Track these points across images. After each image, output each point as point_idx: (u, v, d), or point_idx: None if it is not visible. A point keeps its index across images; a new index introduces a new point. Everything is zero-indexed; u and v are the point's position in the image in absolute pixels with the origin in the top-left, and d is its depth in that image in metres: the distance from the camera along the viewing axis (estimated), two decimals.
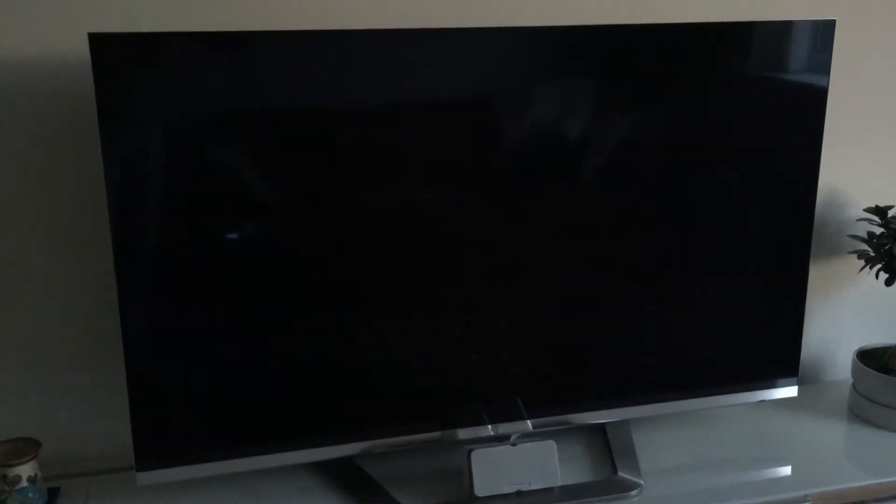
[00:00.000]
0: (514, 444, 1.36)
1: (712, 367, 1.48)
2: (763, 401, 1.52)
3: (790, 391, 1.53)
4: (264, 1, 1.33)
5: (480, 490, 1.33)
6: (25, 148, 1.31)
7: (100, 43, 1.11)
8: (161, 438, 1.27)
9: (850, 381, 1.64)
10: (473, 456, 1.33)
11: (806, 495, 1.37)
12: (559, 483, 1.36)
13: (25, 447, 1.31)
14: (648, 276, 1.42)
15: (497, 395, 1.39)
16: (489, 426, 1.38)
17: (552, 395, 1.42)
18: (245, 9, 1.33)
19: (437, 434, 1.37)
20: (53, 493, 1.36)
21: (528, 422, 1.40)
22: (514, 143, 1.31)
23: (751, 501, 1.35)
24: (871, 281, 1.65)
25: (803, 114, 1.41)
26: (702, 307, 1.46)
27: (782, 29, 1.37)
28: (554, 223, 1.35)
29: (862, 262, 1.57)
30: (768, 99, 1.39)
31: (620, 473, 1.40)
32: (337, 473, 1.41)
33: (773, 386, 1.52)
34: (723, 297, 1.46)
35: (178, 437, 1.28)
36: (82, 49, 1.27)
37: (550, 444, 1.36)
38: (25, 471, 1.29)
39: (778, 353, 1.51)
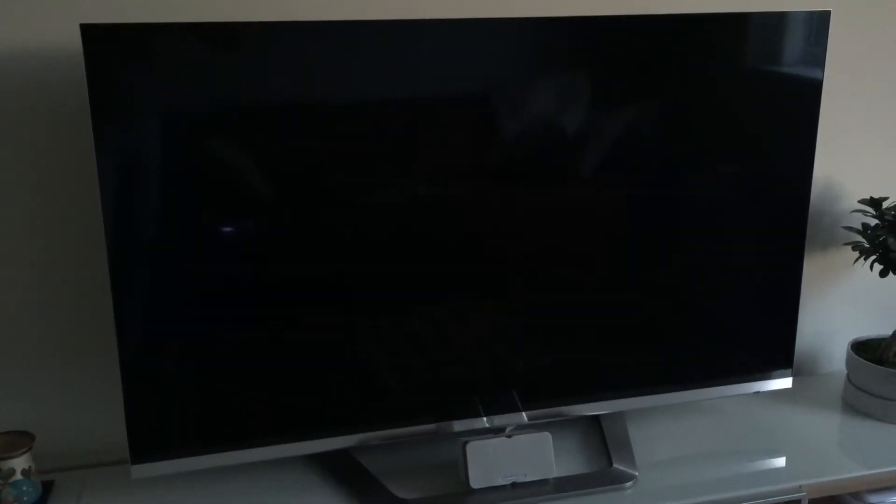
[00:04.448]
0: (509, 436, 1.36)
1: (707, 359, 1.48)
2: (758, 392, 1.53)
3: (785, 383, 1.53)
4: None
5: (476, 482, 1.33)
6: (18, 142, 1.31)
7: (92, 34, 1.10)
8: (155, 431, 1.27)
9: (845, 372, 1.64)
10: (469, 448, 1.33)
11: (800, 486, 1.37)
12: (554, 475, 1.36)
13: (19, 440, 1.31)
14: (644, 269, 1.42)
15: (492, 387, 1.39)
16: (484, 418, 1.38)
17: (547, 387, 1.42)
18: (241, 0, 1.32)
19: (432, 426, 1.37)
20: (48, 487, 1.35)
21: (524, 414, 1.40)
22: (510, 138, 1.30)
23: (746, 492, 1.35)
24: (866, 272, 1.65)
25: (798, 105, 1.41)
26: (697, 299, 1.46)
27: (777, 20, 1.37)
28: (549, 216, 1.35)
29: (856, 254, 1.57)
30: (763, 90, 1.39)
31: (615, 465, 1.41)
32: (332, 466, 1.41)
33: (768, 377, 1.52)
34: (718, 289, 1.46)
35: (172, 430, 1.28)
36: (74, 40, 1.26)
37: (546, 436, 1.36)
38: (20, 464, 1.29)
39: (773, 345, 1.51)
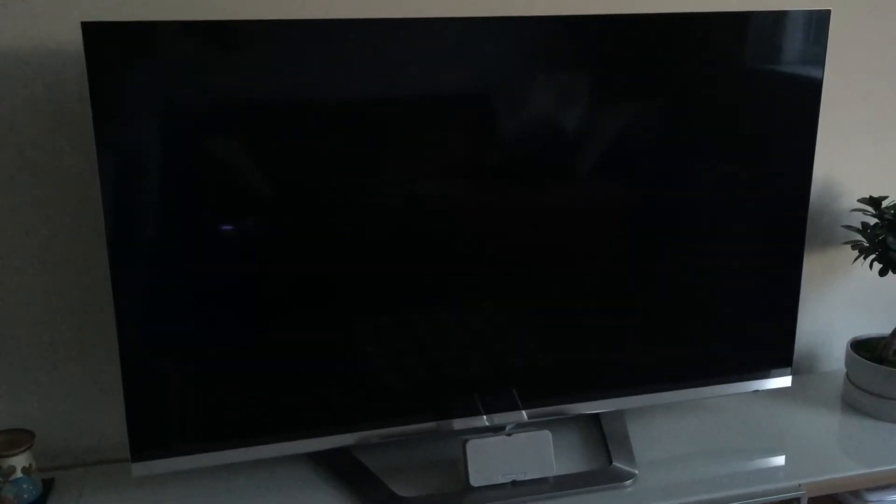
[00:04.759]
0: (509, 435, 1.36)
1: (707, 358, 1.49)
2: (757, 391, 1.53)
3: (784, 381, 1.53)
4: None
5: (476, 480, 1.33)
6: (18, 138, 1.31)
7: (93, 32, 1.11)
8: (156, 429, 1.27)
9: (844, 371, 1.64)
10: (469, 446, 1.33)
11: (800, 485, 1.37)
12: (554, 473, 1.36)
13: (20, 438, 1.31)
14: (644, 267, 1.42)
15: (492, 385, 1.39)
16: (484, 416, 1.38)
17: (547, 386, 1.42)
18: None
19: (432, 424, 1.37)
20: (48, 485, 1.35)
21: (524, 412, 1.40)
22: (510, 137, 1.30)
23: (745, 491, 1.35)
24: (866, 271, 1.65)
25: (798, 104, 1.41)
26: (697, 297, 1.46)
27: (777, 19, 1.37)
28: (549, 215, 1.35)
29: (856, 253, 1.57)
30: (763, 89, 1.39)
31: (615, 463, 1.41)
32: (333, 464, 1.41)
33: (768, 376, 1.52)
34: (718, 288, 1.46)
35: (173, 427, 1.28)
36: (75, 39, 1.26)
37: (545, 434, 1.36)
38: (20, 462, 1.29)
39: (772, 344, 1.51)
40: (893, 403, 1.54)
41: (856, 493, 1.48)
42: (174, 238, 1.21)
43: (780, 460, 1.45)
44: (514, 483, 1.35)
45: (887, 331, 1.63)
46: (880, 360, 1.57)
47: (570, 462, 1.42)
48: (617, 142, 1.35)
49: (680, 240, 1.42)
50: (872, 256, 1.56)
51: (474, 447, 1.34)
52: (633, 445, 1.46)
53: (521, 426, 1.39)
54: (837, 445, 1.49)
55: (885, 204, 1.57)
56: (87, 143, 1.17)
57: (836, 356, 1.79)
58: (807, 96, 1.42)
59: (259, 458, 1.32)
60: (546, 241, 1.36)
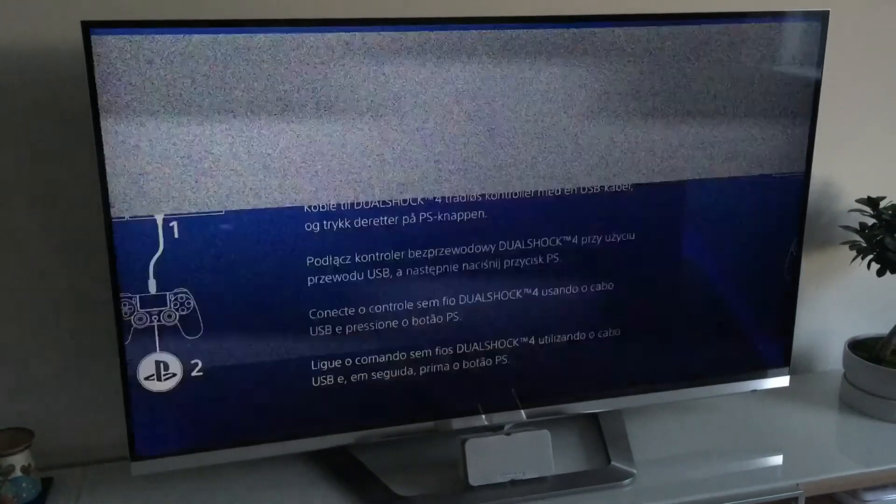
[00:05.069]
0: (508, 434, 1.36)
1: (705, 357, 1.49)
2: (755, 391, 1.53)
3: (782, 381, 1.54)
4: None
5: (475, 479, 1.33)
6: (18, 138, 1.31)
7: (93, 31, 1.10)
8: (156, 428, 1.27)
9: (842, 371, 1.65)
10: (468, 445, 1.34)
11: (797, 484, 1.38)
12: (553, 472, 1.37)
13: (19, 437, 1.31)
14: (642, 267, 1.42)
15: (491, 385, 1.39)
16: (483, 416, 1.39)
17: (546, 385, 1.42)
18: None
19: (431, 424, 1.38)
20: (47, 483, 1.35)
21: (522, 411, 1.40)
22: (510, 137, 1.30)
23: (743, 490, 1.36)
24: (863, 272, 1.65)
25: (796, 104, 1.42)
26: (695, 297, 1.46)
27: (776, 19, 1.37)
28: (547, 213, 1.35)
29: (854, 253, 1.58)
30: (762, 89, 1.39)
31: (613, 463, 1.41)
32: (332, 463, 1.41)
33: (765, 376, 1.52)
34: (716, 288, 1.47)
35: (172, 426, 1.28)
36: (75, 38, 1.26)
37: (544, 434, 1.37)
38: (19, 461, 1.29)
39: (770, 343, 1.52)
40: (891, 403, 1.54)
41: (853, 493, 1.49)
42: (173, 237, 1.20)
43: (777, 460, 1.45)
44: (512, 482, 1.35)
45: (885, 331, 1.63)
46: (878, 361, 1.57)
47: (568, 461, 1.43)
48: (615, 141, 1.35)
49: (679, 239, 1.43)
50: (870, 257, 1.56)
51: (473, 447, 1.34)
52: (632, 445, 1.47)
53: (520, 426, 1.40)
54: (835, 445, 1.50)
55: (882, 204, 1.58)
56: (87, 143, 1.17)
57: (833, 356, 1.79)
58: (806, 96, 1.42)
59: (258, 458, 1.32)
60: (546, 241, 1.36)
